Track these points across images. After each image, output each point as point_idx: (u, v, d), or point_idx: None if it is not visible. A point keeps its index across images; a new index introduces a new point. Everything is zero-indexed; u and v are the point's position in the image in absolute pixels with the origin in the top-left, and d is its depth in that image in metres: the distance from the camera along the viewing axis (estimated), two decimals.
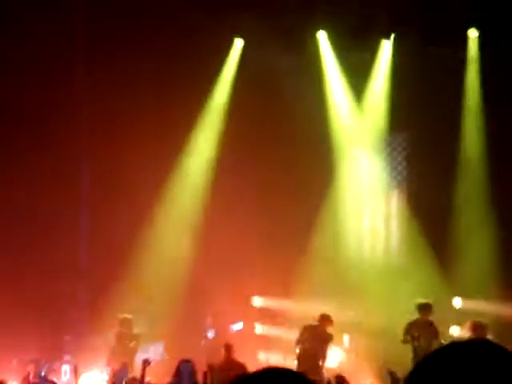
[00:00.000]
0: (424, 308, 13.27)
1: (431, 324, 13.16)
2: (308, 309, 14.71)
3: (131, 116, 15.21)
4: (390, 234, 16.78)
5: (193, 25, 15.55)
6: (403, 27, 15.69)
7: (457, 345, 1.94)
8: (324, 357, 13.59)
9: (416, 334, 13.05)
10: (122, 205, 15.13)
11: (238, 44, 16.67)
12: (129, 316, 14.75)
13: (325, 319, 13.73)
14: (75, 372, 10.80)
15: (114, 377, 11.34)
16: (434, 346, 12.38)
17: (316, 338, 13.51)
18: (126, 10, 15.28)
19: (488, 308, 14.44)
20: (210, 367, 12.09)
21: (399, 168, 16.57)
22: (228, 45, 16.57)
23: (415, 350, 12.85)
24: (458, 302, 15.49)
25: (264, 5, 15.67)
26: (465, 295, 15.34)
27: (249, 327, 16.34)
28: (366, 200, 16.81)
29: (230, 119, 16.35)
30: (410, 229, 16.22)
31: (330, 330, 13.65)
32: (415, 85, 15.20)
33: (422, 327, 13.10)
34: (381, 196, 16.75)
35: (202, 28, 15.53)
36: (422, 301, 13.36)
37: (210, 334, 15.72)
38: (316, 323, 13.70)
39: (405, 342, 13.12)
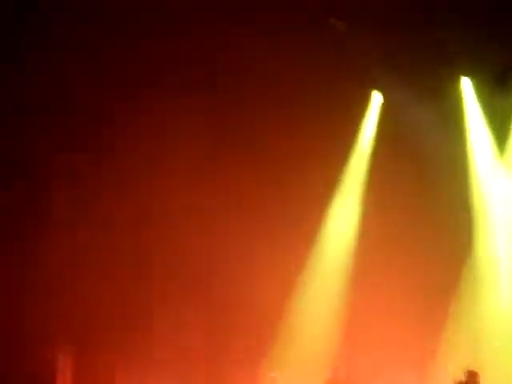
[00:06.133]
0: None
1: None
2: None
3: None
4: None
5: (333, 77, 15.53)
6: None
7: None
8: None
9: None
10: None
11: (376, 98, 16.48)
12: (274, 375, 14.94)
13: (472, 376, 13.55)
14: None
15: None
16: None
17: None
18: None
19: None
20: None
21: None
22: (366, 99, 16.38)
23: None
24: None
25: (401, 57, 15.47)
26: None
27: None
28: None
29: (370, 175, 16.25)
30: None
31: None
32: None
33: None
34: None
35: (342, 81, 15.50)
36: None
37: None
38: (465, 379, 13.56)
39: None
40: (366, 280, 15.52)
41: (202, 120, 15.48)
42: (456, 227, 15.56)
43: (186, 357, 15.49)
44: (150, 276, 15.37)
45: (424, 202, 15.56)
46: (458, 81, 16.06)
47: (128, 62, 15.08)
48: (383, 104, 16.39)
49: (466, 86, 16.06)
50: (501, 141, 16.05)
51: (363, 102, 16.37)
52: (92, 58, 14.92)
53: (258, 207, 15.59)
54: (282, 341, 15.71)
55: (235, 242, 15.31)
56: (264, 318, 15.52)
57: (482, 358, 14.48)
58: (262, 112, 15.60)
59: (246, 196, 15.57)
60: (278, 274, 15.40)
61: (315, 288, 16.14)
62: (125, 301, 15.12)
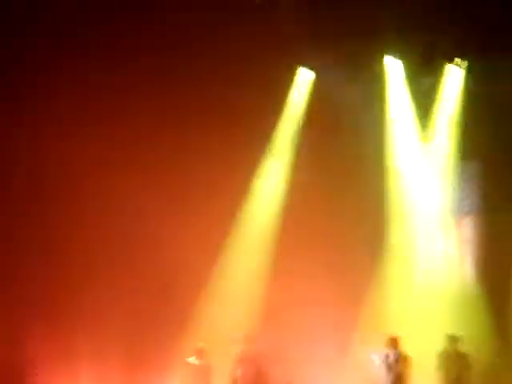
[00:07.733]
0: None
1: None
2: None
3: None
4: (464, 261, 16.55)
5: (255, 54, 15.63)
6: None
7: None
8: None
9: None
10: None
11: (301, 73, 16.60)
12: (203, 345, 14.99)
13: (394, 341, 13.95)
14: None
15: None
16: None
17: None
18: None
19: None
20: None
21: (472, 197, 16.35)
22: (291, 74, 16.51)
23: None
24: None
25: (327, 33, 15.61)
26: None
27: None
28: (438, 225, 16.61)
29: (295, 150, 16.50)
30: (483, 257, 16.07)
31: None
32: (486, 112, 15.08)
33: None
34: (453, 222, 16.54)
35: (265, 57, 15.60)
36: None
37: None
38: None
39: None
40: (290, 248, 15.67)
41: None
42: (375, 205, 15.91)
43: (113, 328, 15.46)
44: (83, 240, 15.38)
45: (347, 176, 15.81)
46: (384, 60, 16.27)
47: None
48: (312, 80, 16.59)
49: (393, 65, 16.25)
50: (425, 120, 16.35)
51: (289, 77, 16.48)
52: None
53: (184, 173, 15.67)
54: (204, 309, 15.86)
55: (163, 207, 15.38)
56: (188, 283, 15.60)
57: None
58: (187, 82, 15.67)
59: (172, 159, 15.62)
60: (203, 239, 15.45)
61: (241, 254, 16.34)
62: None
